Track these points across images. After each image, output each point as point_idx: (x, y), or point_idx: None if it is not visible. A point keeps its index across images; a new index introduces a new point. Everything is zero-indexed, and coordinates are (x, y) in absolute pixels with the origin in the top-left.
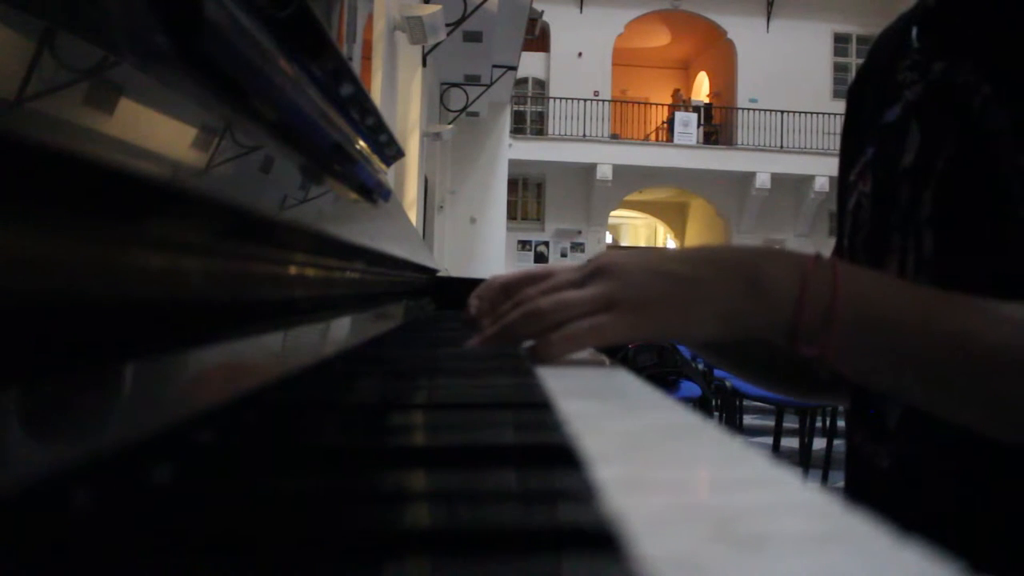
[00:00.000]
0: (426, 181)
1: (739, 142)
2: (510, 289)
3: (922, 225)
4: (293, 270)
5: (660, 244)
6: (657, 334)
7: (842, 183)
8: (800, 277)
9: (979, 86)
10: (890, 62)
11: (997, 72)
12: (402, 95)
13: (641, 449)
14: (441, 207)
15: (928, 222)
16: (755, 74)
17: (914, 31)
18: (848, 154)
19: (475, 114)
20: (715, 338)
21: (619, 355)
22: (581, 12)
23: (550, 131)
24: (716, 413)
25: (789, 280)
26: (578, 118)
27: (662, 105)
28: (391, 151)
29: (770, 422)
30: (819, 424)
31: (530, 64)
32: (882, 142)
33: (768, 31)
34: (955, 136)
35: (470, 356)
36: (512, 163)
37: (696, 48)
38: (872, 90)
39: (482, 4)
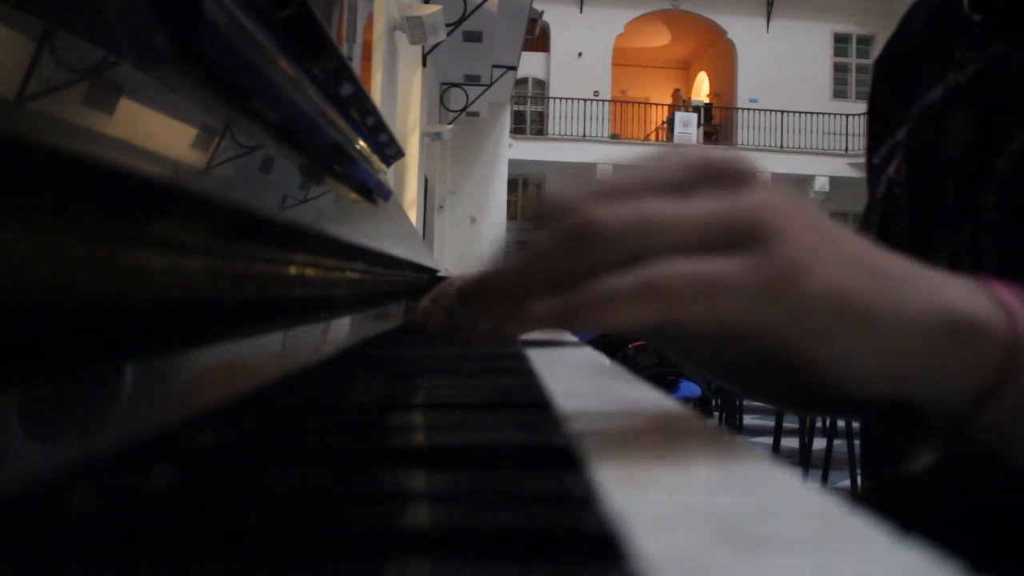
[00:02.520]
0: (426, 181)
1: (739, 142)
2: (467, 293)
3: (983, 232)
4: (293, 270)
5: None
6: (787, 347)
7: (869, 164)
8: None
9: None
10: (928, 33)
11: None
12: (402, 95)
13: (641, 449)
14: (441, 207)
15: (991, 230)
16: (755, 74)
17: (965, 1)
18: (873, 134)
19: (475, 114)
20: (861, 394)
21: (619, 355)
22: (581, 12)
23: (550, 131)
24: (716, 413)
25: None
26: (578, 118)
27: (662, 105)
28: (391, 151)
29: (770, 422)
30: (819, 424)
31: (530, 64)
32: (918, 125)
33: (768, 31)
34: None
35: (470, 356)
36: (512, 163)
37: (696, 48)
38: (904, 63)
39: (482, 4)
